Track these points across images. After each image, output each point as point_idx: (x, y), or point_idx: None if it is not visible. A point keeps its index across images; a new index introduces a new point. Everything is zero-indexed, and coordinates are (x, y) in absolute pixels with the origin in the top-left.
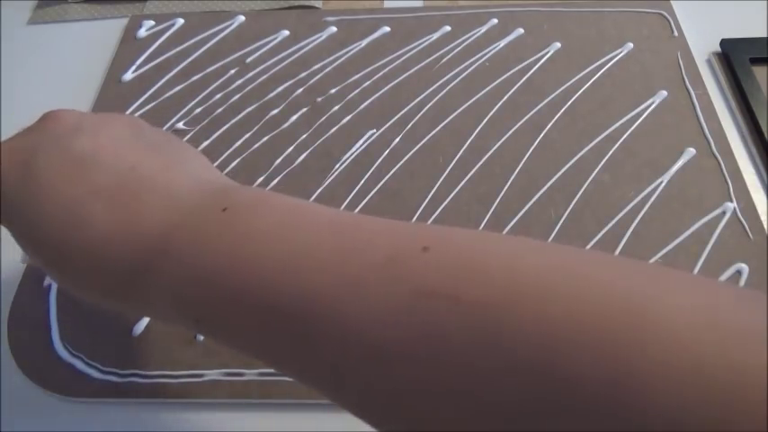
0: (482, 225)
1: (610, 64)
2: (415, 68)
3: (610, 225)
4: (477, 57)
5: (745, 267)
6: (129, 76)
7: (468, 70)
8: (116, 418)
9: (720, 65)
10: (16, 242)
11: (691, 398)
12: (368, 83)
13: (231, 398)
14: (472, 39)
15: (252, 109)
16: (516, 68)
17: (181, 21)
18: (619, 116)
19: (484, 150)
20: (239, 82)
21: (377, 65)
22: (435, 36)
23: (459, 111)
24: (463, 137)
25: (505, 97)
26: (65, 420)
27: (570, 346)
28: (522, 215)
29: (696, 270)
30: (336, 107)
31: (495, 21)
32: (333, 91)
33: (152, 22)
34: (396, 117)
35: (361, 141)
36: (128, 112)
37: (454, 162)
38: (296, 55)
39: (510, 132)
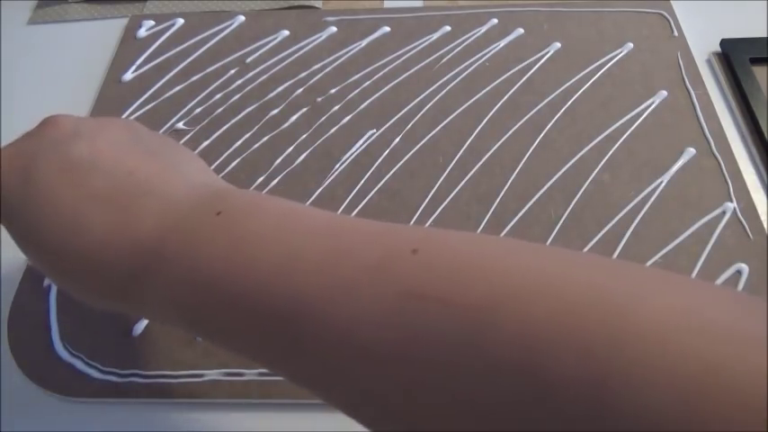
0: (482, 225)
1: (610, 64)
2: (415, 68)
3: (610, 225)
4: (477, 57)
5: (745, 267)
6: (129, 76)
7: (468, 70)
8: (116, 418)
9: (720, 65)
10: (16, 245)
11: (669, 399)
12: (368, 83)
13: (231, 398)
14: (472, 39)
15: (252, 109)
16: (516, 68)
17: (181, 21)
18: (619, 116)
19: (484, 150)
20: (239, 82)
21: (377, 65)
22: (435, 36)
23: (459, 111)
24: (463, 137)
25: (505, 97)
26: (65, 420)
27: (552, 348)
28: (522, 215)
29: (696, 270)
30: (336, 107)
31: (495, 21)
32: (333, 91)
33: (152, 22)
34: (396, 117)
35: (361, 141)
36: (128, 112)
37: (454, 162)
38: (296, 55)
39: (510, 132)
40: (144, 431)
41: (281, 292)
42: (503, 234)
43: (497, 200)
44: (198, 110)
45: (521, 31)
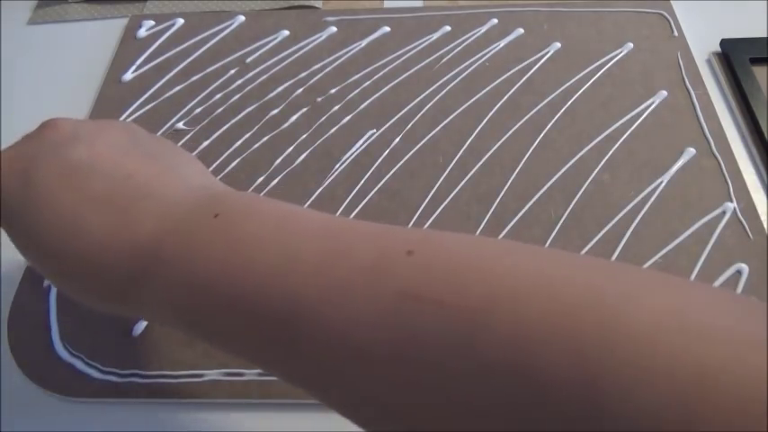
0: (482, 225)
1: (610, 64)
2: (415, 68)
3: (610, 225)
4: (477, 57)
5: (745, 267)
6: (129, 76)
7: (468, 70)
8: (116, 418)
9: (720, 65)
10: (16, 247)
11: (665, 401)
12: (368, 83)
13: (231, 398)
14: (472, 39)
15: (252, 109)
16: (516, 68)
17: (181, 21)
18: (619, 116)
19: (484, 150)
20: (239, 82)
21: (377, 65)
22: (435, 36)
23: (459, 111)
24: (463, 137)
25: (505, 97)
26: (65, 420)
27: (545, 349)
28: (522, 215)
29: (696, 270)
30: (336, 107)
31: (495, 21)
32: (333, 91)
33: (152, 22)
34: (396, 117)
35: (361, 141)
36: (128, 112)
37: (454, 162)
38: (296, 55)
39: (510, 132)
40: (144, 431)
41: (277, 293)
42: (503, 234)
43: (497, 200)
44: (198, 110)
45: (521, 31)
